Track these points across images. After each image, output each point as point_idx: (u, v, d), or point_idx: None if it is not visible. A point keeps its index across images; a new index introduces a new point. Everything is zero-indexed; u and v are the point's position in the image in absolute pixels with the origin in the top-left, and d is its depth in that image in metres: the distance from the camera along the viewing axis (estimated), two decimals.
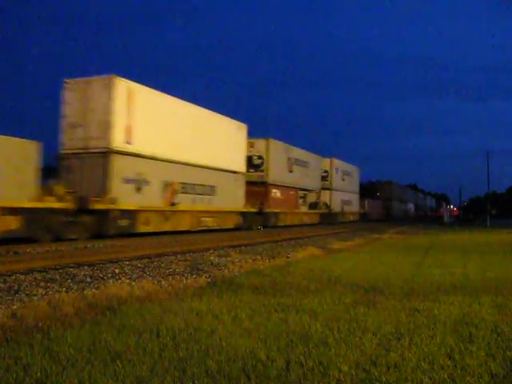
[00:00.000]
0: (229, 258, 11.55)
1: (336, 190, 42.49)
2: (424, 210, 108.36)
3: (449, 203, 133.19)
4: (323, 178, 40.48)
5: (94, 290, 6.79)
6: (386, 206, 66.22)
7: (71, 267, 9.23)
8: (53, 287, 7.10)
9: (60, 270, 8.81)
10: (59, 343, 4.05)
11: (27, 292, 6.65)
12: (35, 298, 6.25)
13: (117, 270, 9.02)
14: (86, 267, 9.31)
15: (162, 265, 10.05)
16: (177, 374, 3.37)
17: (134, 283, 7.52)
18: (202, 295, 6.37)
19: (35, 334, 4.37)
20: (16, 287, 6.98)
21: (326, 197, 40.27)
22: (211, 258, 11.62)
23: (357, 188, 51.82)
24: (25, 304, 5.74)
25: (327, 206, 40.15)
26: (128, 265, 9.92)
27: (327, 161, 41.90)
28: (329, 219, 39.60)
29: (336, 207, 42.15)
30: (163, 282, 7.72)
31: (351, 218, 48.27)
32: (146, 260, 10.81)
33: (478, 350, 3.99)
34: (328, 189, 41.03)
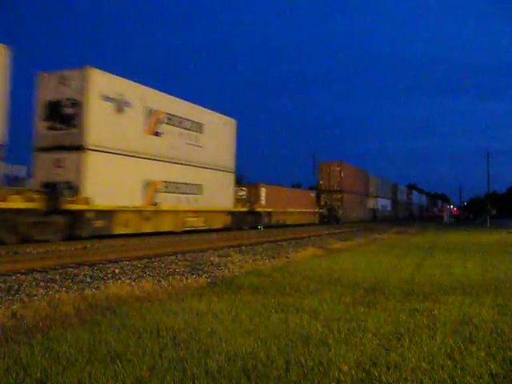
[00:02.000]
0: (229, 258, 11.55)
1: (108, 153, 16.76)
2: (408, 209, 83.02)
3: (449, 203, 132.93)
4: (52, 118, 16.31)
5: (93, 290, 6.79)
6: (327, 203, 42.87)
7: (71, 267, 9.23)
8: (53, 287, 7.09)
9: (60, 270, 8.81)
10: (59, 343, 4.04)
11: (27, 292, 6.65)
12: (35, 297, 6.24)
13: (117, 270, 9.02)
14: (86, 267, 9.31)
15: (162, 265, 10.05)
16: (177, 374, 3.37)
17: (134, 283, 7.52)
18: (201, 295, 6.37)
19: (35, 333, 4.37)
20: (16, 287, 6.97)
21: (69, 169, 15.93)
22: (211, 258, 11.62)
23: (229, 161, 25.21)
24: (25, 304, 5.74)
25: (55, 196, 15.00)
26: (128, 265, 9.91)
27: (74, 75, 16.13)
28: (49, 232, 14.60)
29: (104, 197, 16.34)
30: (163, 282, 7.72)
31: (200, 224, 22.11)
32: (146, 260, 10.81)
33: (478, 350, 3.99)
34: (76, 148, 15.87)
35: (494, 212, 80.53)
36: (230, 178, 25.83)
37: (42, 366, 3.49)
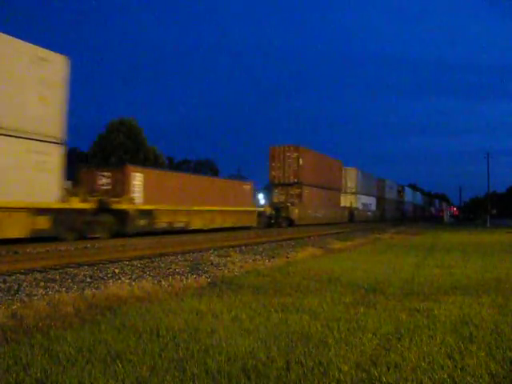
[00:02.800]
0: (229, 258, 11.56)
1: None
2: (399, 208, 72.97)
3: (449, 203, 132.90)
4: None
5: (93, 290, 6.79)
6: (273, 200, 34.01)
7: (71, 267, 9.24)
8: (53, 287, 7.10)
9: (60, 270, 8.81)
10: (59, 343, 4.04)
11: (27, 292, 6.65)
12: (35, 297, 6.24)
13: (117, 270, 9.02)
14: (86, 267, 9.32)
15: (162, 265, 10.05)
16: (177, 373, 3.37)
17: (134, 283, 7.52)
18: (202, 295, 6.37)
19: (35, 333, 4.37)
20: (16, 287, 6.98)
21: None
22: (211, 258, 11.63)
23: (48, 124, 14.48)
24: (25, 304, 5.74)
25: None
26: (128, 265, 9.92)
27: None
28: None
29: None
30: (163, 282, 7.72)
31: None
32: (146, 260, 10.81)
33: (478, 350, 3.98)
34: None
35: (494, 212, 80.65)
36: (53, 153, 14.86)
37: (42, 365, 3.48)
